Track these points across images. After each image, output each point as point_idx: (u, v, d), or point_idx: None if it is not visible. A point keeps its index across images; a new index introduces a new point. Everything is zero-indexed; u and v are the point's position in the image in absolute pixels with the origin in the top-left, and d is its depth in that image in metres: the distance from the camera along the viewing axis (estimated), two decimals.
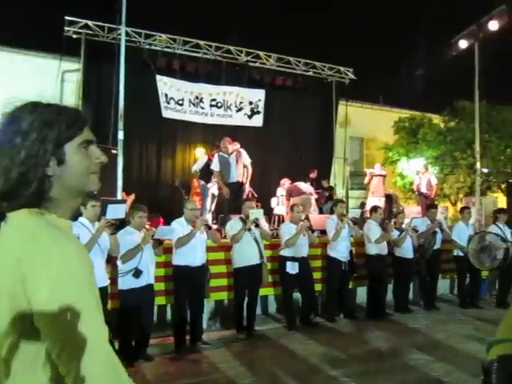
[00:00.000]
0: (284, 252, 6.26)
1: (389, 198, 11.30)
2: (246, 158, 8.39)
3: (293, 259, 6.17)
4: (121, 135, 7.22)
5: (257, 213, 5.94)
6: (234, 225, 5.97)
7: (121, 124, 7.32)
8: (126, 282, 4.74)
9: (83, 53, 9.95)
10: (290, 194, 9.91)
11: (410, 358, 4.89)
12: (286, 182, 10.35)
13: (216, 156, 8.36)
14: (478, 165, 11.24)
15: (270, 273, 6.48)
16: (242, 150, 8.43)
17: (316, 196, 10.54)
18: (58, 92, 10.25)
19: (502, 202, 13.35)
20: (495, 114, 15.05)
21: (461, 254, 7.65)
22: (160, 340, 5.54)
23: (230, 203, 8.12)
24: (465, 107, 15.16)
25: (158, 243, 5.06)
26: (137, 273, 4.68)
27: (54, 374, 0.96)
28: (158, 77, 10.61)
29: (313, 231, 6.41)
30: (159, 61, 10.61)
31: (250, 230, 5.84)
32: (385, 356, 4.98)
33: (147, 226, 4.94)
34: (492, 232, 7.73)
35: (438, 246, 7.54)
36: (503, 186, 14.58)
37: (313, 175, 11.28)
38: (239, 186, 8.22)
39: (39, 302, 0.92)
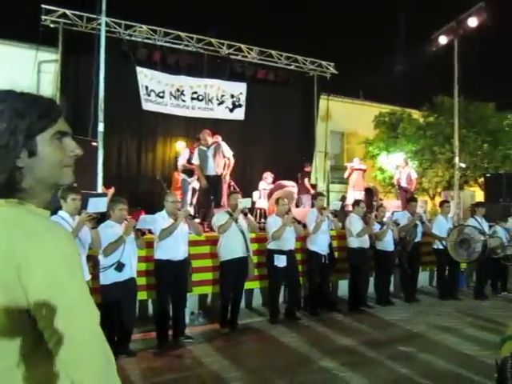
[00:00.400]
0: (271, 245, 6.24)
1: (369, 192, 11.40)
2: (226, 150, 8.32)
3: (280, 252, 6.16)
4: (101, 127, 7.07)
5: (245, 202, 5.95)
6: (220, 217, 5.93)
7: (101, 116, 7.17)
8: (108, 276, 4.65)
9: (61, 43, 9.72)
10: (272, 193, 9.92)
11: (392, 349, 4.95)
12: (268, 176, 10.34)
13: (196, 149, 8.31)
14: (457, 159, 11.43)
15: (255, 266, 6.46)
16: (223, 143, 8.36)
17: (313, 192, 10.67)
18: (34, 83, 9.98)
19: (479, 195, 13.62)
20: (473, 110, 15.34)
21: (440, 246, 7.78)
22: (142, 335, 5.47)
23: (209, 196, 8.05)
24: (444, 103, 15.40)
25: (140, 234, 4.98)
26: (119, 266, 4.61)
27: (27, 373, 0.94)
28: (139, 69, 10.44)
29: (299, 222, 6.39)
30: (139, 52, 10.43)
31: (236, 221, 5.81)
32: (368, 348, 5.01)
33: (128, 218, 4.84)
34: (470, 225, 7.88)
35: (418, 238, 7.64)
36: (480, 180, 14.89)
37: (307, 169, 11.37)
38: (217, 178, 8.15)
39: (36, 288, 0.90)
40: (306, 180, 11.05)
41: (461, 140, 12.41)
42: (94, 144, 7.05)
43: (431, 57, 12.34)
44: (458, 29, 10.90)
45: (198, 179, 8.43)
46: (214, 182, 8.11)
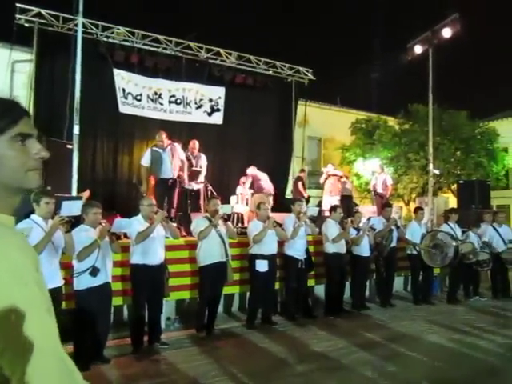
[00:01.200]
0: (253, 250, 6.22)
1: (347, 199, 11.47)
2: (180, 153, 8.11)
3: (262, 257, 6.15)
4: (76, 130, 6.95)
5: (226, 208, 5.98)
6: (200, 222, 5.89)
7: (76, 118, 7.05)
8: (82, 282, 4.55)
9: (36, 43, 9.51)
10: (253, 181, 9.96)
11: (368, 353, 4.99)
12: (245, 181, 10.34)
13: (148, 150, 8.02)
14: (431, 166, 11.65)
15: (236, 271, 6.45)
16: (177, 144, 8.14)
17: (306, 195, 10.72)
18: (7, 83, 9.77)
19: (452, 202, 13.92)
20: (447, 118, 15.71)
21: (414, 252, 7.90)
22: (117, 341, 5.38)
23: (161, 200, 7.61)
24: (419, 110, 15.72)
25: (115, 238, 4.88)
26: (94, 271, 4.51)
27: None
28: (116, 71, 10.30)
29: (280, 226, 6.37)
30: (117, 54, 10.30)
31: (216, 226, 5.79)
32: (344, 352, 5.04)
33: (103, 222, 4.76)
34: (443, 231, 8.04)
35: (394, 243, 7.74)
36: (453, 186, 15.23)
37: (302, 174, 11.43)
38: (173, 181, 7.82)
39: None
40: (300, 184, 11.14)
41: (435, 147, 12.69)
42: (69, 146, 6.91)
43: (407, 65, 12.60)
44: (432, 39, 11.16)
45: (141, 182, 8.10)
46: (168, 185, 7.75)
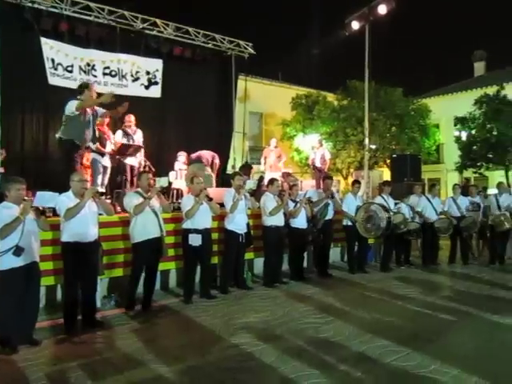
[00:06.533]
0: (186, 224, 6.14)
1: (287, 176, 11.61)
2: (102, 112, 7.33)
3: (195, 231, 6.09)
4: None
5: (163, 181, 5.84)
6: (132, 198, 5.72)
7: None
8: (5, 262, 4.28)
9: None
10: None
11: (303, 322, 5.14)
12: (181, 155, 10.18)
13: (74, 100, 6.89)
14: (367, 141, 12.00)
15: (172, 247, 6.38)
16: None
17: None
18: None
19: (386, 175, 14.47)
20: (383, 95, 16.19)
21: (350, 223, 8.17)
22: (49, 323, 5.18)
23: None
24: (356, 87, 16.08)
25: (40, 213, 4.56)
26: (18, 251, 4.25)
27: None
28: (43, 40, 9.66)
29: (210, 200, 6.28)
30: (44, 22, 9.62)
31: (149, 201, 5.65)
32: (280, 322, 5.16)
33: (26, 198, 4.48)
34: (376, 203, 8.35)
35: (330, 216, 7.94)
36: (388, 160, 15.85)
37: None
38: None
39: None
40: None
41: (371, 123, 13.06)
42: None
43: (347, 41, 12.77)
44: (369, 15, 11.34)
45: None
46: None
